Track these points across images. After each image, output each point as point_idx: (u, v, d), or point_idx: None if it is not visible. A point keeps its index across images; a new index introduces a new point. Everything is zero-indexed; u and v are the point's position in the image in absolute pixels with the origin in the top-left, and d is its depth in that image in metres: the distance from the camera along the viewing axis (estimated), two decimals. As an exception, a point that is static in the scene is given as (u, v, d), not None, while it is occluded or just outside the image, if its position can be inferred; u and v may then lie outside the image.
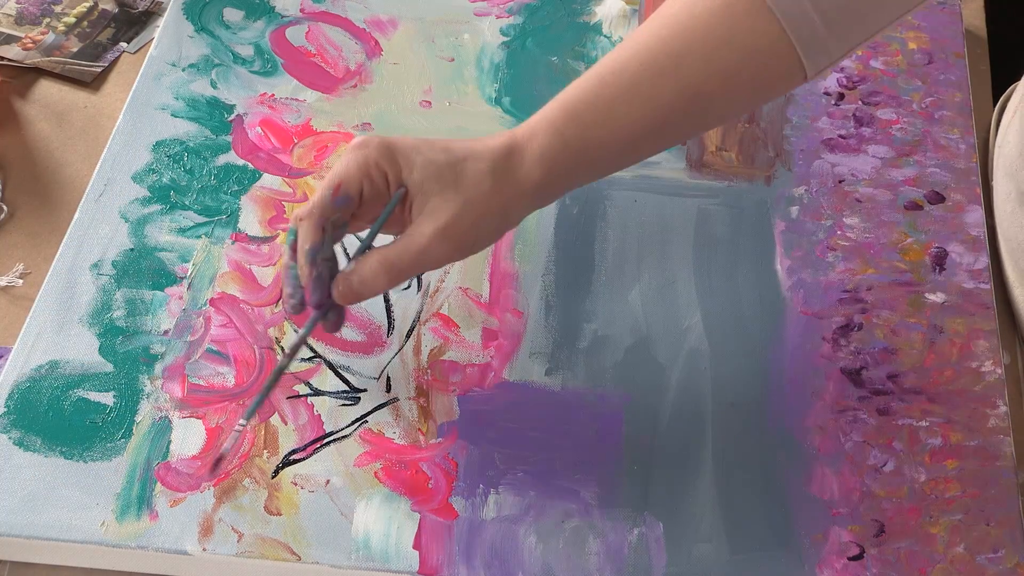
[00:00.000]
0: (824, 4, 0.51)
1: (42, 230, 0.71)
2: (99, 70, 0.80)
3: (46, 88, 0.79)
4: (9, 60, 0.80)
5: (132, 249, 0.68)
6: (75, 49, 0.81)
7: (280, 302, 0.55)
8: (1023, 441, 0.62)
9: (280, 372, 0.55)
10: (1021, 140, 0.68)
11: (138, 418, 0.61)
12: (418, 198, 0.54)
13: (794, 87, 0.56)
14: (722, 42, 0.53)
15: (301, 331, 0.55)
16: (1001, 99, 0.76)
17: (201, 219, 0.70)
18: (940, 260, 0.68)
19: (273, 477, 0.59)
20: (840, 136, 0.74)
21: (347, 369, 0.63)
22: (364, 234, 0.57)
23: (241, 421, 0.54)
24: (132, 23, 0.83)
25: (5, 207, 0.72)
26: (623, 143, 0.55)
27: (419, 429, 0.61)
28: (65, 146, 0.76)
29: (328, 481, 0.59)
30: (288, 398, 0.62)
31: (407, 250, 0.54)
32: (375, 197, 0.55)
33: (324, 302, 0.55)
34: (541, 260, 0.68)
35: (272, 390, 0.55)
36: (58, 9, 0.83)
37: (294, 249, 0.55)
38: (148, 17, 0.84)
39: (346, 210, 0.54)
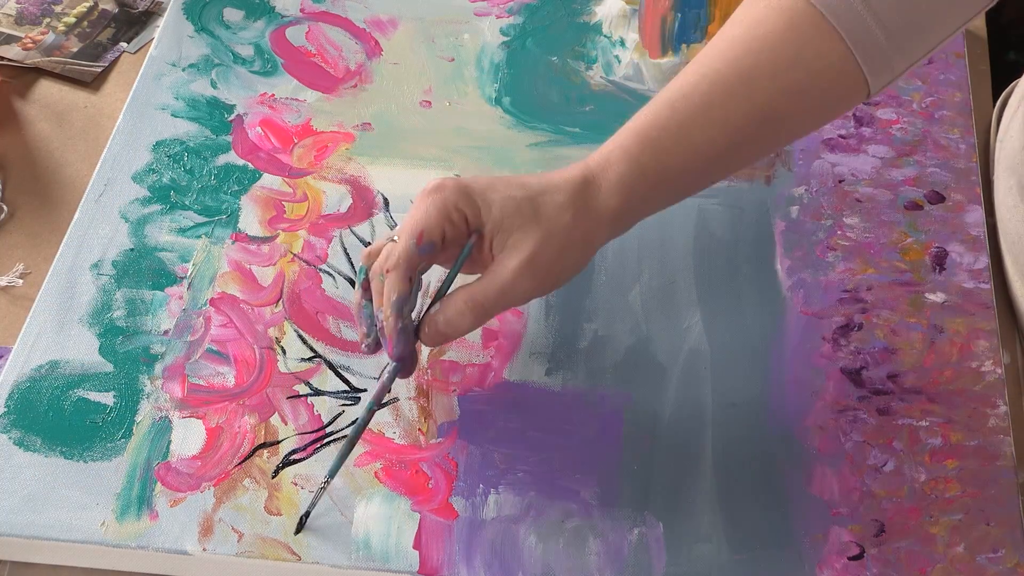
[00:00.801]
0: (886, 20, 0.52)
1: (42, 230, 0.71)
2: (99, 70, 0.80)
3: (46, 88, 0.79)
4: (9, 60, 0.80)
5: (132, 249, 0.68)
6: (75, 49, 0.81)
7: (360, 340, 0.58)
8: (1023, 441, 0.62)
9: (362, 428, 0.57)
10: (1023, 136, 0.68)
11: (138, 418, 0.61)
12: (499, 235, 0.54)
13: (859, 103, 0.56)
14: (790, 62, 0.53)
15: (381, 381, 0.56)
16: (1001, 97, 0.76)
17: (201, 219, 0.70)
18: (940, 260, 0.68)
19: (273, 477, 0.59)
20: (840, 136, 0.74)
21: (347, 369, 0.63)
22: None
23: (325, 477, 0.56)
24: (132, 23, 0.83)
25: (5, 207, 0.72)
26: (697, 166, 0.55)
27: (419, 429, 0.61)
28: (65, 146, 0.76)
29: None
30: (288, 398, 0.62)
31: (491, 286, 0.54)
32: (456, 239, 0.55)
33: (407, 354, 0.55)
34: (541, 260, 0.68)
35: (353, 447, 0.57)
36: (58, 9, 0.83)
37: (365, 288, 0.56)
38: (148, 17, 0.84)
39: (431, 257, 0.55)
